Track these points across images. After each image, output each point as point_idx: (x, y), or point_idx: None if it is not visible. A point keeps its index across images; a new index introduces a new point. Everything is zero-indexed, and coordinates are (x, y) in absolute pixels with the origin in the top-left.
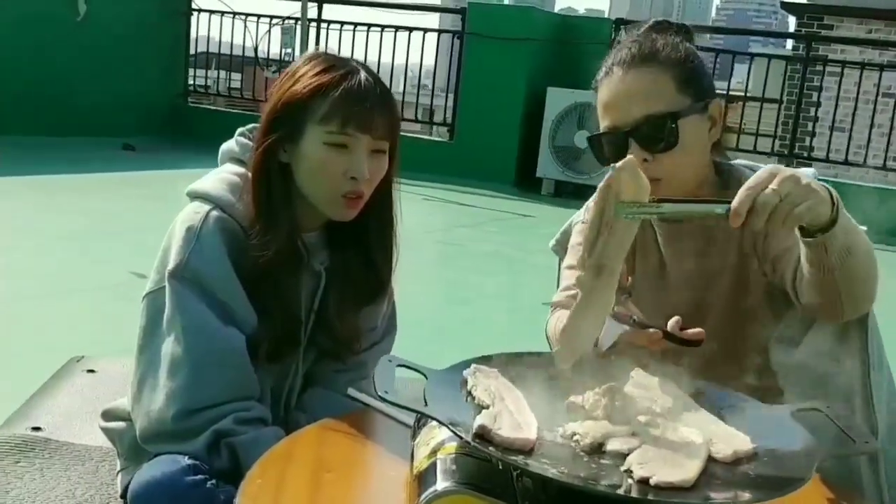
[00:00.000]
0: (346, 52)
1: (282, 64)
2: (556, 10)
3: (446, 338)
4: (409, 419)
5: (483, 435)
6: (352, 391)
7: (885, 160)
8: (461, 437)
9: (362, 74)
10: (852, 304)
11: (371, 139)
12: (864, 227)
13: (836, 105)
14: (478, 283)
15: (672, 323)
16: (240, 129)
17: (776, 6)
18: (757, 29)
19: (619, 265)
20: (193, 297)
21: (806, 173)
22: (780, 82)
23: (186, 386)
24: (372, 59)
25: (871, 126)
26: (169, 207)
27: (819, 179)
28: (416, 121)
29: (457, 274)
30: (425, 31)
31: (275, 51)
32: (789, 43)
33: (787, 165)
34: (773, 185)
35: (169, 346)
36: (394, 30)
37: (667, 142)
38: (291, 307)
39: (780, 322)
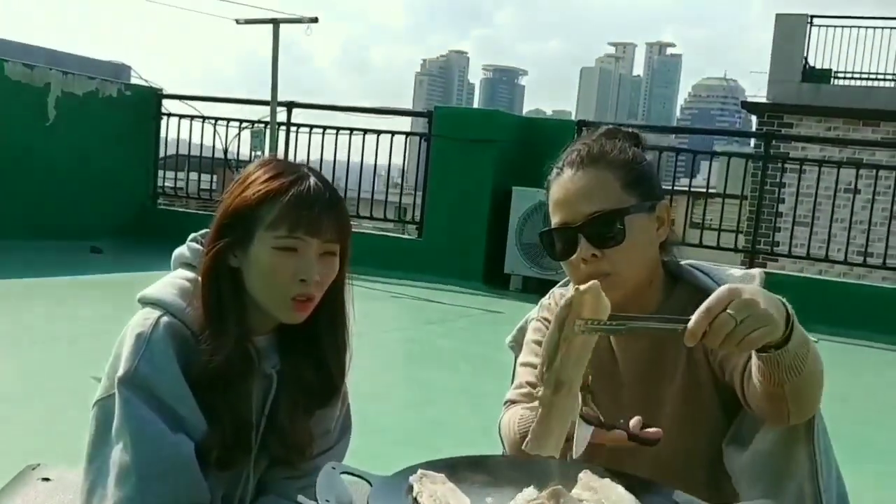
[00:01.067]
0: (315, 155)
1: None
2: (525, 112)
3: (412, 439)
4: None
5: None
6: (301, 498)
7: (846, 254)
8: None
9: (312, 180)
10: (798, 412)
11: (320, 242)
12: (815, 339)
13: (798, 201)
14: (444, 382)
15: (634, 422)
16: (192, 235)
17: (738, 105)
18: (720, 128)
19: (579, 380)
20: (142, 405)
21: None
22: (742, 179)
23: (133, 496)
24: (342, 161)
25: (832, 221)
26: (132, 311)
27: (785, 275)
28: (385, 219)
29: (423, 372)
30: (393, 133)
31: (244, 152)
32: (753, 141)
33: (752, 260)
34: (730, 310)
35: (117, 455)
36: (362, 133)
37: (614, 238)
38: (242, 412)
39: (730, 420)
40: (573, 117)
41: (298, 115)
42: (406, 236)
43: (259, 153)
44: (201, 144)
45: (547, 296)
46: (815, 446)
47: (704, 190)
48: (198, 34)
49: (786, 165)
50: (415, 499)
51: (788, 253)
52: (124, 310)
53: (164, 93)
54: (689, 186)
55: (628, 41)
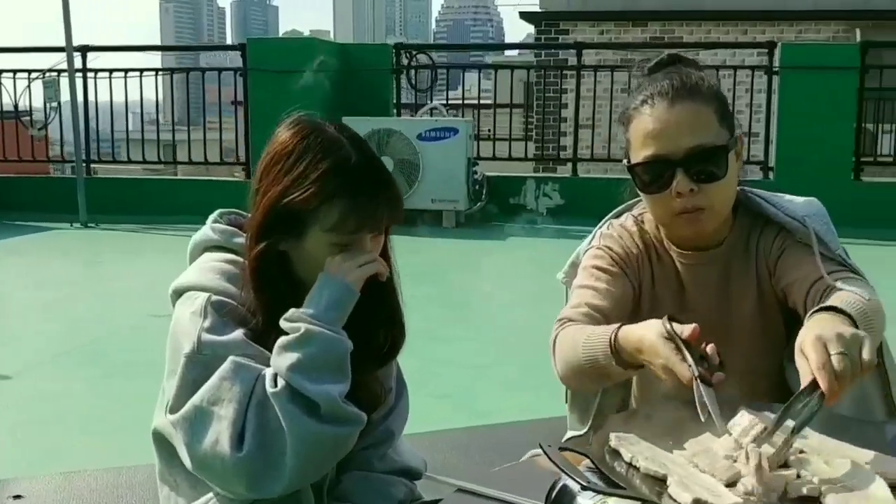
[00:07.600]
0: (119, 100)
1: (47, 120)
2: (281, 33)
3: None
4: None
5: None
6: (428, 475)
7: (628, 152)
8: None
9: (361, 162)
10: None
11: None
12: (882, 301)
13: (578, 105)
14: None
15: (710, 350)
16: (212, 217)
17: (490, 15)
18: (475, 40)
19: None
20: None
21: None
22: (522, 89)
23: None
24: (149, 100)
25: (612, 121)
26: None
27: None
28: (208, 163)
29: None
30: (204, 70)
31: (37, 106)
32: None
33: (545, 165)
34: (834, 353)
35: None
36: (169, 72)
37: (716, 174)
38: None
39: (791, 335)
40: (332, 37)
41: (94, 60)
42: (234, 178)
43: (55, 104)
44: None
45: (604, 226)
46: (883, 357)
47: (492, 102)
48: None
49: (563, 73)
50: (630, 463)
51: (574, 156)
52: None
53: None
54: (462, 99)
55: None
